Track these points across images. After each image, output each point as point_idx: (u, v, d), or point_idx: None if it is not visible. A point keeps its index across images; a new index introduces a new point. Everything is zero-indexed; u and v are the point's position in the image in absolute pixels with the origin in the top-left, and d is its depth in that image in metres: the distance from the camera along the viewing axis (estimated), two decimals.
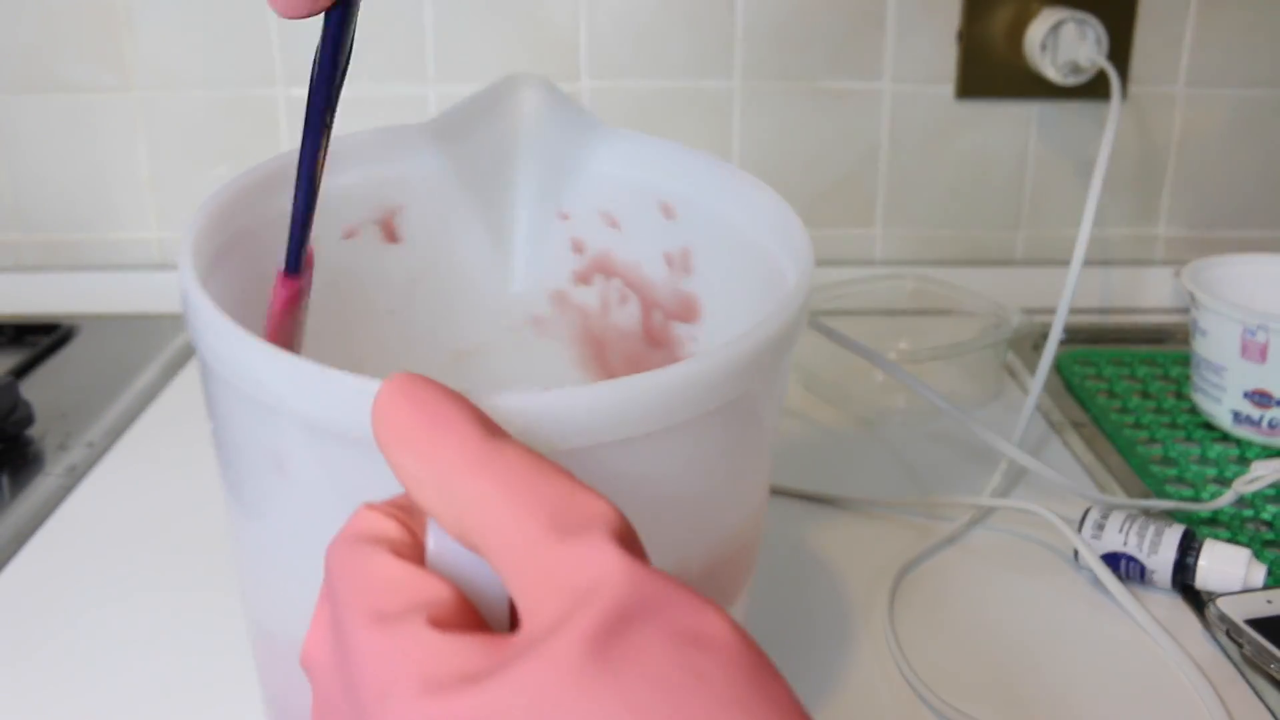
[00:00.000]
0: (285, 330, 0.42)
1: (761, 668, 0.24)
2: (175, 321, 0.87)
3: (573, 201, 0.52)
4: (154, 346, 0.83)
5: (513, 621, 0.27)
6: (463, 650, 0.24)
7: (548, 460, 0.27)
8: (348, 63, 0.38)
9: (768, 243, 0.45)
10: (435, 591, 0.26)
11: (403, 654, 0.24)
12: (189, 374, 0.81)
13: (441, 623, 0.25)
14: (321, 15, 0.37)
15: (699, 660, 0.23)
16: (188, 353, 0.84)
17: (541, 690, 0.22)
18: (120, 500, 0.66)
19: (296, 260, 0.41)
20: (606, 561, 0.24)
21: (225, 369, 0.35)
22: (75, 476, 0.68)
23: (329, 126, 0.39)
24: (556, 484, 0.26)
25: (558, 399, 0.31)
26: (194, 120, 0.90)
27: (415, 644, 0.24)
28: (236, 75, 0.89)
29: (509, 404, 0.30)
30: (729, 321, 0.48)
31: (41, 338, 0.84)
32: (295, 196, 0.40)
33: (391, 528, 0.28)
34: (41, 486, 0.66)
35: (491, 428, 0.27)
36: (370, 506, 0.29)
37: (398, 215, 0.51)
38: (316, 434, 0.33)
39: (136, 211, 0.93)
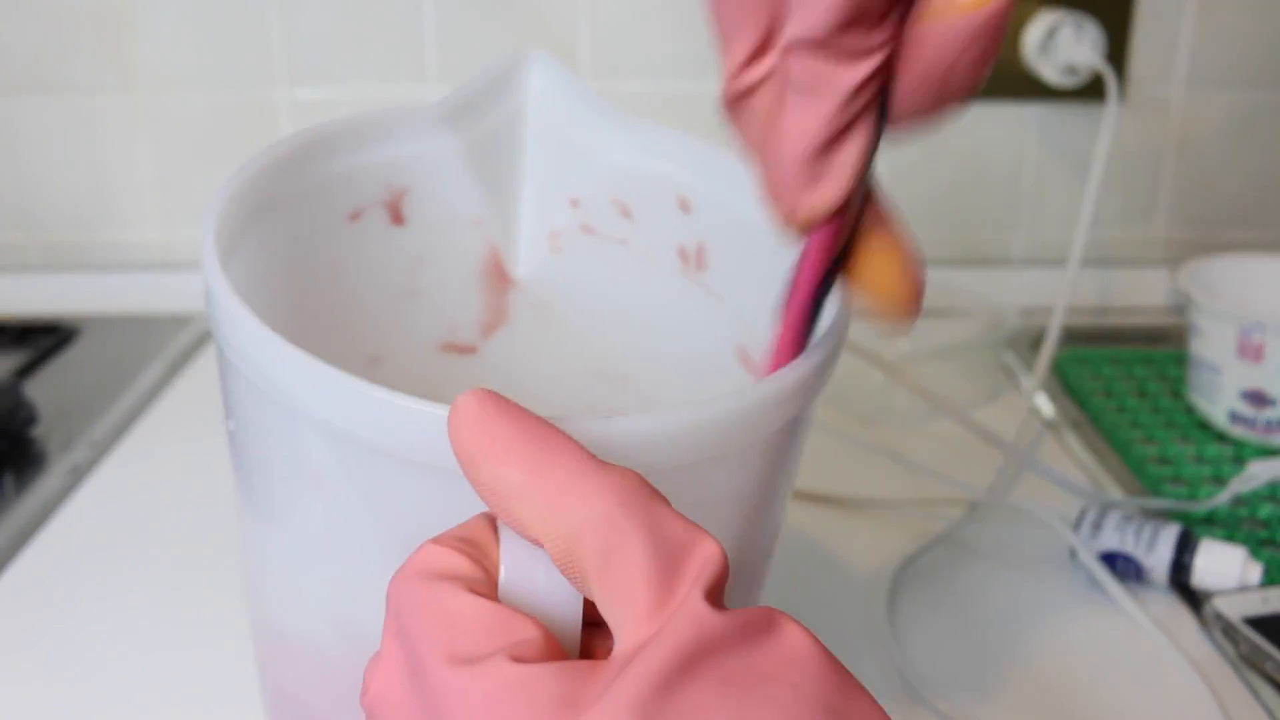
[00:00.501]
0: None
1: (846, 679, 0.25)
2: (178, 321, 0.87)
3: (584, 188, 0.51)
4: (156, 346, 0.84)
5: (584, 649, 0.28)
6: (556, 678, 0.24)
7: (654, 488, 0.27)
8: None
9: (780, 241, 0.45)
10: (519, 630, 0.25)
11: (483, 698, 0.24)
12: (191, 374, 0.81)
13: (526, 661, 0.25)
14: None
15: (781, 687, 0.24)
16: (190, 353, 0.84)
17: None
18: (123, 500, 0.66)
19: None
20: (690, 604, 0.25)
21: (252, 372, 0.34)
22: (78, 476, 0.68)
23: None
24: (670, 517, 0.26)
25: (639, 424, 0.31)
26: (196, 121, 0.91)
27: (495, 685, 0.24)
28: (238, 76, 0.89)
29: (588, 428, 0.30)
30: (737, 321, 0.48)
31: (44, 338, 0.85)
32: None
33: (462, 563, 0.27)
34: (44, 486, 0.67)
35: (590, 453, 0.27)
36: (436, 541, 0.28)
37: (404, 197, 0.50)
38: (347, 444, 0.33)
39: (138, 212, 0.93)
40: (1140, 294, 0.94)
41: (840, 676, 0.25)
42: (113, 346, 0.84)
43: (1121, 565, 0.58)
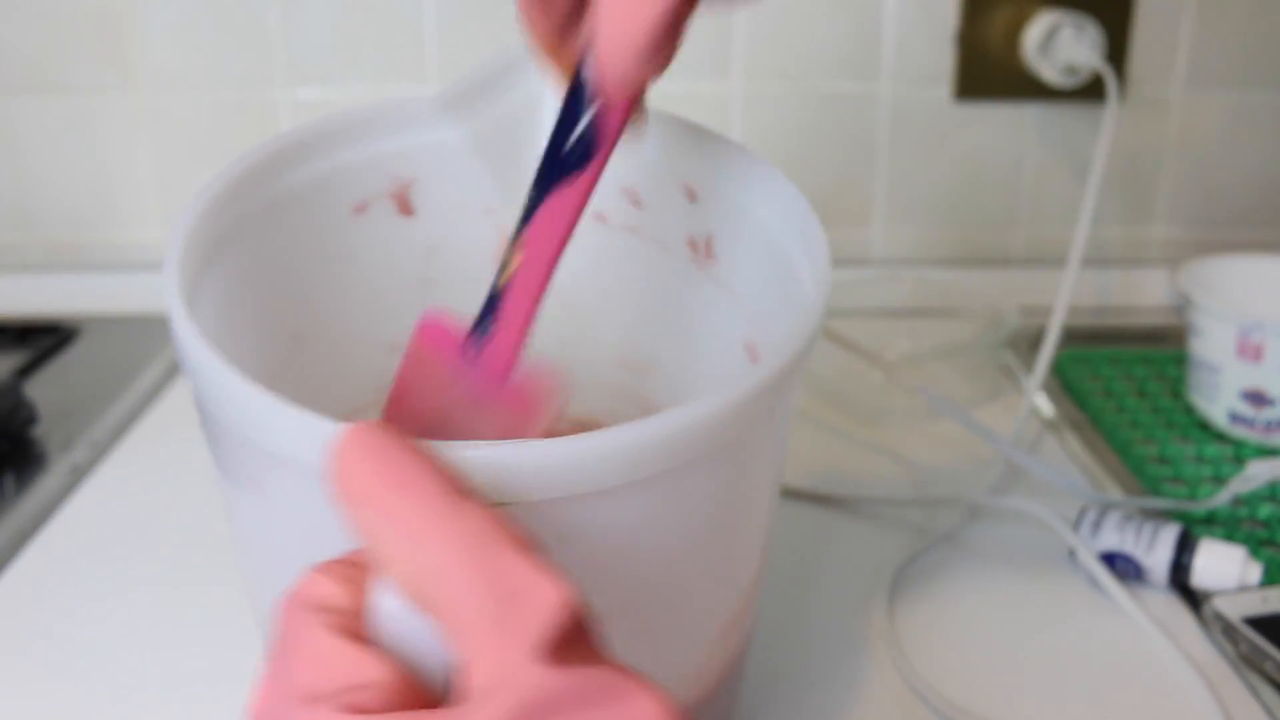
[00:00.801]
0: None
1: None
2: None
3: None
4: (157, 346, 0.84)
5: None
6: None
7: (510, 526, 0.26)
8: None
9: (785, 240, 0.44)
10: (366, 674, 0.25)
11: None
12: None
13: (365, 709, 0.25)
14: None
15: None
16: None
17: None
18: (123, 499, 0.66)
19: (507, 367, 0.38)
20: (520, 663, 0.24)
21: (205, 397, 0.35)
22: (78, 476, 0.68)
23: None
24: (514, 563, 0.25)
25: (521, 452, 0.31)
26: (196, 121, 0.91)
27: None
28: (238, 76, 0.89)
29: (474, 456, 0.30)
30: (744, 316, 0.48)
31: (44, 338, 0.85)
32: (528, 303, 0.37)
33: (336, 594, 0.27)
34: (45, 486, 0.67)
35: (454, 483, 0.27)
36: (318, 569, 0.28)
37: (411, 187, 0.50)
38: (283, 463, 0.33)
39: (139, 212, 0.93)
40: (1140, 294, 0.94)
41: None
42: (113, 346, 0.84)
43: (1121, 565, 0.58)
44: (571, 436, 0.32)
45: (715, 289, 0.49)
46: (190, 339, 0.35)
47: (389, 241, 0.51)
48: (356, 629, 0.27)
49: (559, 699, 0.24)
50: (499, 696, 0.24)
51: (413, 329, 0.41)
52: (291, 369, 0.48)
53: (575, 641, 0.25)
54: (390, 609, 0.27)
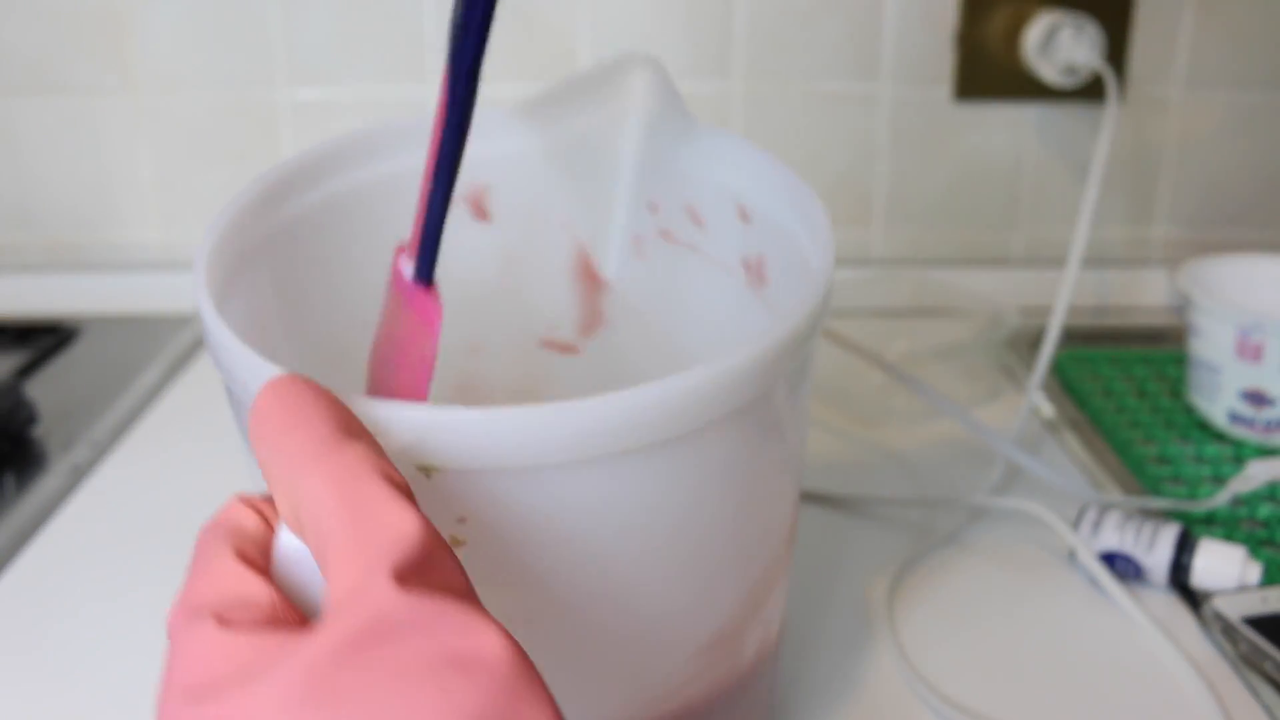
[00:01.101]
0: (424, 364, 0.39)
1: (523, 693, 0.24)
2: (178, 321, 0.87)
3: (660, 193, 0.50)
4: (157, 346, 0.84)
5: None
6: (233, 652, 0.25)
7: (386, 466, 0.28)
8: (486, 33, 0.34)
9: (811, 254, 0.43)
10: (247, 592, 0.27)
11: (183, 652, 0.26)
12: (192, 374, 0.81)
13: (236, 624, 0.26)
14: None
15: (450, 681, 0.24)
16: (190, 352, 0.84)
17: (266, 704, 0.24)
18: (123, 499, 0.66)
19: (430, 267, 0.37)
20: (370, 584, 0.25)
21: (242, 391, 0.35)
22: (78, 476, 0.68)
23: (472, 96, 0.35)
24: (379, 495, 0.27)
25: (428, 415, 0.31)
26: (196, 121, 0.91)
27: (196, 643, 0.26)
28: (238, 77, 0.89)
29: (394, 416, 0.31)
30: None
31: (45, 338, 0.85)
32: (432, 189, 0.36)
33: (251, 522, 0.29)
34: (45, 486, 0.67)
35: (349, 428, 0.29)
36: (241, 498, 0.30)
37: (487, 193, 0.51)
38: None
39: (139, 212, 0.93)
40: (1140, 294, 0.94)
41: (520, 691, 0.24)
42: (113, 346, 0.84)
43: (1121, 565, 0.58)
44: (502, 407, 0.32)
45: (767, 314, 0.48)
46: (217, 330, 0.35)
47: (465, 244, 0.51)
48: (259, 557, 0.29)
49: (404, 622, 0.24)
50: (348, 613, 0.25)
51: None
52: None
53: (430, 573, 0.26)
54: (285, 541, 0.29)
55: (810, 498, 0.66)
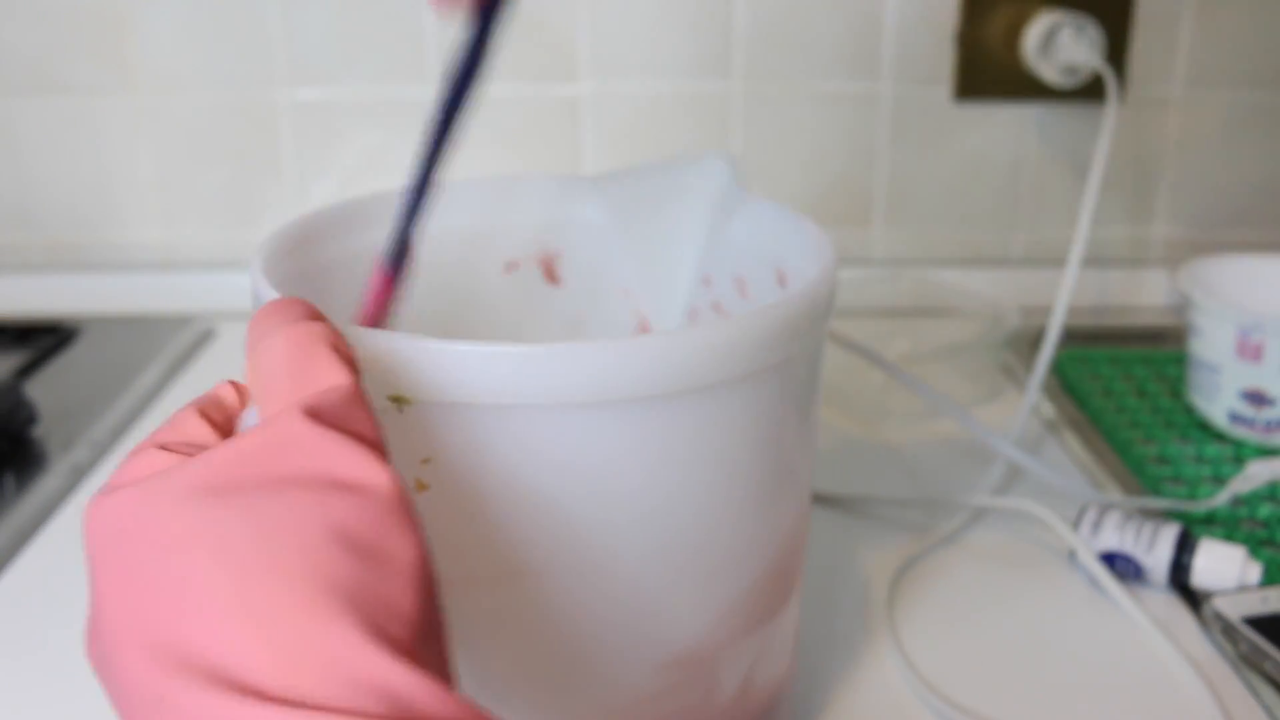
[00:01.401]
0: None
1: (396, 522, 0.27)
2: (178, 321, 0.87)
3: (714, 266, 0.51)
4: (157, 346, 0.84)
5: None
6: (160, 465, 0.29)
7: (337, 339, 0.31)
8: (487, 64, 0.38)
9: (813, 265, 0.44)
10: (198, 436, 0.30)
11: (122, 467, 0.30)
12: (192, 374, 0.81)
13: (174, 448, 0.30)
14: (472, 11, 0.37)
15: (331, 497, 0.27)
16: (190, 353, 0.84)
17: (166, 490, 0.27)
18: None
19: (399, 257, 0.40)
20: (284, 413, 0.28)
21: None
22: (78, 476, 0.68)
23: (455, 123, 0.39)
24: (318, 356, 0.30)
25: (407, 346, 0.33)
26: (196, 122, 0.91)
27: (134, 460, 0.29)
28: (238, 76, 0.89)
29: (353, 338, 0.33)
30: None
31: (45, 338, 0.85)
32: (413, 190, 0.39)
33: (229, 397, 0.32)
34: (45, 486, 0.67)
35: (317, 314, 0.32)
36: (230, 381, 0.33)
37: (559, 259, 0.53)
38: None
39: (139, 212, 0.93)
40: (1140, 294, 0.94)
41: (394, 520, 0.27)
42: (113, 346, 0.84)
43: (1121, 565, 0.58)
44: (475, 342, 0.33)
45: None
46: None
47: (537, 304, 0.53)
48: (224, 422, 0.32)
49: (303, 444, 0.28)
50: (256, 430, 0.28)
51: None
52: None
53: (344, 421, 0.29)
54: (251, 417, 0.32)
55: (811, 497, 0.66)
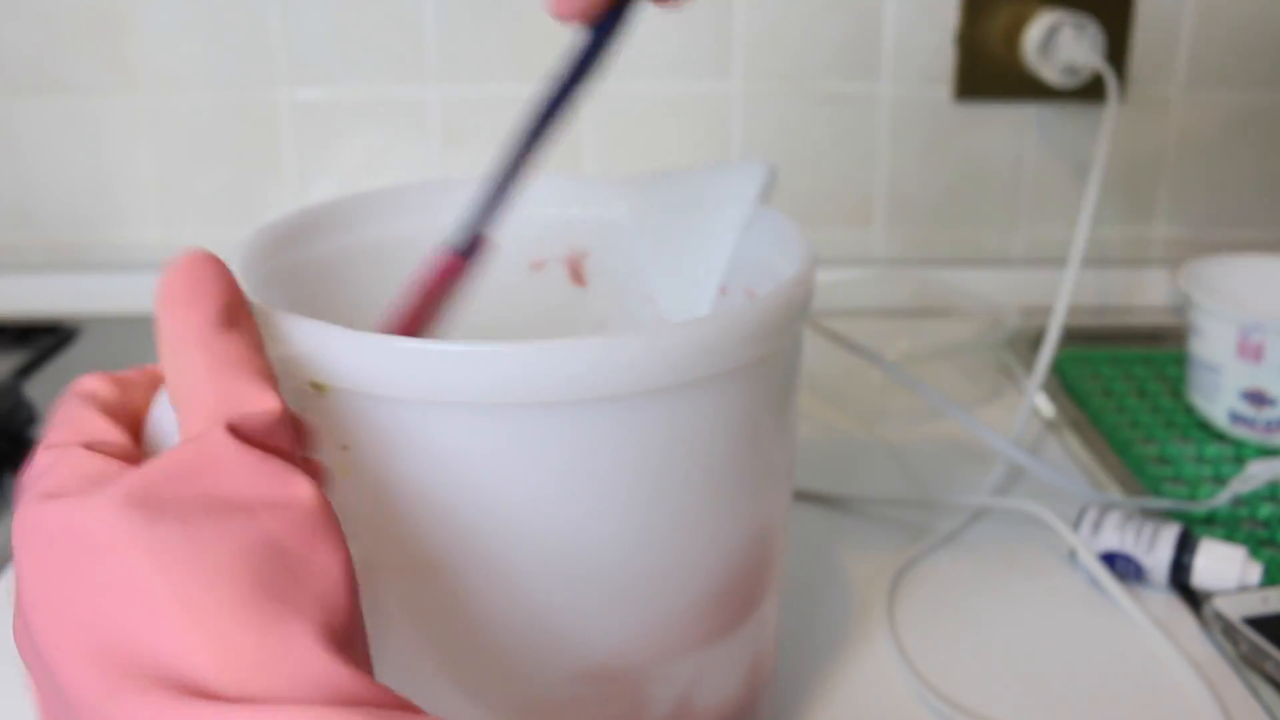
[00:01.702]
0: (428, 309, 0.42)
1: (322, 533, 0.29)
2: None
3: (730, 278, 0.51)
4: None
5: None
6: (90, 470, 0.29)
7: (258, 358, 0.31)
8: (601, 70, 0.39)
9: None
10: (104, 435, 0.31)
11: (36, 467, 0.30)
12: None
13: (100, 450, 0.30)
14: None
15: (259, 512, 0.28)
16: None
17: (100, 504, 0.27)
18: None
19: (473, 238, 0.41)
20: (209, 431, 0.29)
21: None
22: None
23: (554, 123, 0.40)
24: (240, 376, 0.31)
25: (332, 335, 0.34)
26: (196, 121, 0.91)
27: (51, 460, 0.30)
28: (238, 76, 0.89)
29: (278, 322, 0.34)
30: None
31: (44, 338, 0.85)
32: (499, 179, 0.40)
33: (116, 395, 0.33)
34: None
35: (236, 314, 0.32)
36: (139, 369, 0.34)
37: (585, 259, 0.53)
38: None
39: (139, 212, 0.93)
40: (1140, 294, 0.94)
41: (320, 532, 0.28)
42: (113, 347, 0.84)
43: (1121, 565, 0.58)
44: (396, 337, 0.34)
45: None
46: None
47: (557, 305, 0.53)
48: (128, 418, 0.32)
49: (229, 463, 0.28)
50: (182, 448, 0.29)
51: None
52: None
53: (267, 440, 0.30)
54: (160, 409, 0.32)
55: (810, 498, 0.66)
